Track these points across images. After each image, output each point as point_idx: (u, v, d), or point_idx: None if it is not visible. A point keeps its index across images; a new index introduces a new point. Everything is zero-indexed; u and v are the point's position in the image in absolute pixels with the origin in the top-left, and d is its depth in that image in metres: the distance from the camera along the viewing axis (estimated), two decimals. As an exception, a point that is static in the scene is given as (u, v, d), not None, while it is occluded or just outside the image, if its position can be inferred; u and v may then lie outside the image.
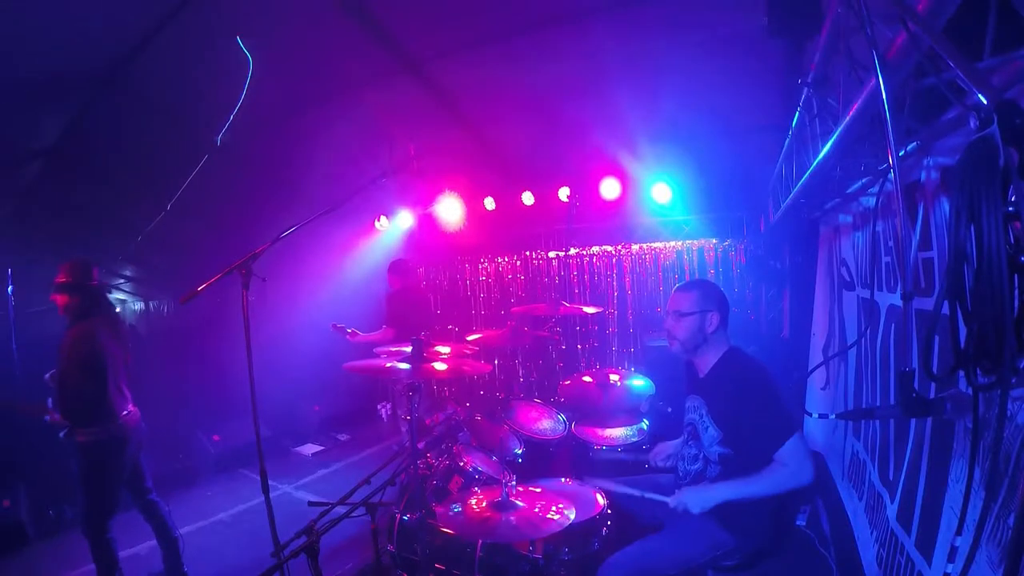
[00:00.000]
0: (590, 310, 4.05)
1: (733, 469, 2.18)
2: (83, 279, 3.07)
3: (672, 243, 5.93)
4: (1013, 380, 0.85)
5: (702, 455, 2.30)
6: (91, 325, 3.03)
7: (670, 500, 2.15)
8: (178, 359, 7.29)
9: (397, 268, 5.28)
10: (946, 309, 0.96)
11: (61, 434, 2.99)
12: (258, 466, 2.08)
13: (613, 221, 5.95)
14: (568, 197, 5.43)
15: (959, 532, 1.36)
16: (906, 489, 1.94)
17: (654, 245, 6.04)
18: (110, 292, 3.37)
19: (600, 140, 4.70)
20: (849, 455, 3.01)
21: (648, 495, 2.25)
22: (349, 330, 5.03)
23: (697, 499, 2.11)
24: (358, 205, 6.04)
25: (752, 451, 2.12)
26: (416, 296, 5.41)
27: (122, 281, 11.13)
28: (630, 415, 3.63)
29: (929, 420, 1.78)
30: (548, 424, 3.67)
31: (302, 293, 6.84)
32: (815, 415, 2.50)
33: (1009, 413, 1.22)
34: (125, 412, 3.13)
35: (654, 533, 2.26)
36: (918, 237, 1.84)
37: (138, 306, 12.99)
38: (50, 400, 3.09)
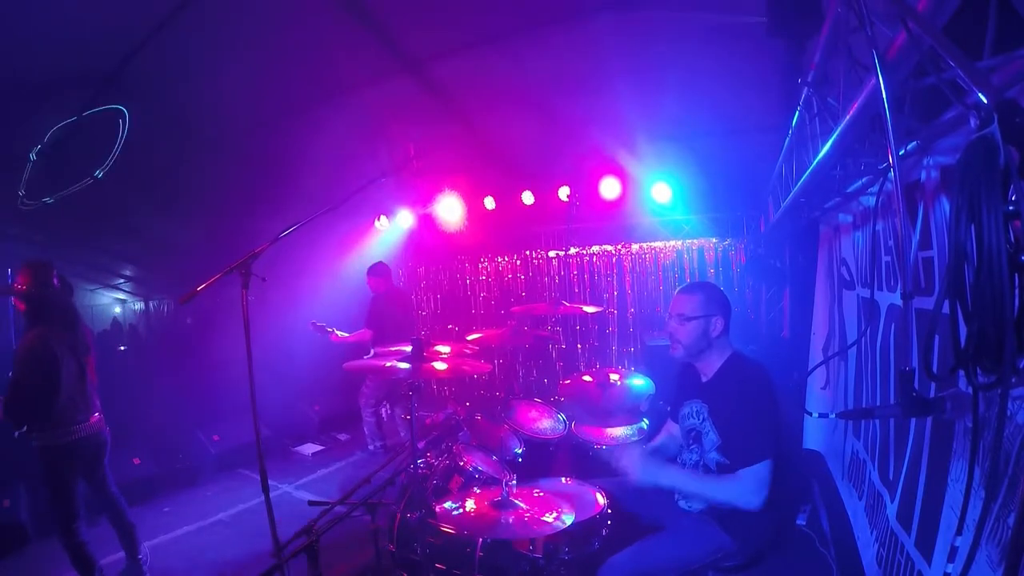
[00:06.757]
0: (590, 309, 4.04)
1: None
2: (37, 285, 2.98)
3: (672, 242, 5.93)
4: (1013, 380, 0.85)
5: (702, 462, 2.29)
6: (43, 331, 2.95)
7: (615, 453, 2.25)
8: (178, 359, 7.29)
9: (376, 271, 5.35)
10: (946, 308, 0.96)
11: (15, 433, 2.95)
12: (258, 466, 2.08)
13: (613, 220, 5.95)
14: (568, 196, 5.43)
15: (959, 532, 1.36)
16: (906, 489, 1.94)
17: (654, 244, 6.04)
18: (71, 295, 3.20)
19: (600, 139, 4.71)
20: (849, 455, 3.00)
21: (604, 447, 2.30)
22: (330, 330, 5.13)
23: (647, 471, 2.20)
24: (358, 204, 6.04)
25: (734, 461, 2.12)
26: (395, 300, 5.49)
27: (122, 281, 11.13)
28: (630, 415, 3.63)
29: (929, 420, 1.78)
30: (548, 424, 3.66)
31: (302, 293, 6.84)
32: (815, 415, 2.52)
33: (1009, 413, 1.21)
34: (80, 421, 3.07)
35: (654, 533, 2.25)
36: (918, 236, 1.84)
37: (138, 306, 12.99)
38: None
